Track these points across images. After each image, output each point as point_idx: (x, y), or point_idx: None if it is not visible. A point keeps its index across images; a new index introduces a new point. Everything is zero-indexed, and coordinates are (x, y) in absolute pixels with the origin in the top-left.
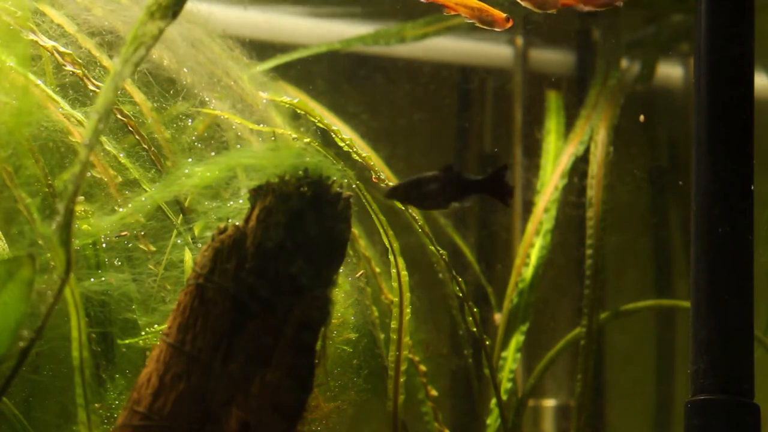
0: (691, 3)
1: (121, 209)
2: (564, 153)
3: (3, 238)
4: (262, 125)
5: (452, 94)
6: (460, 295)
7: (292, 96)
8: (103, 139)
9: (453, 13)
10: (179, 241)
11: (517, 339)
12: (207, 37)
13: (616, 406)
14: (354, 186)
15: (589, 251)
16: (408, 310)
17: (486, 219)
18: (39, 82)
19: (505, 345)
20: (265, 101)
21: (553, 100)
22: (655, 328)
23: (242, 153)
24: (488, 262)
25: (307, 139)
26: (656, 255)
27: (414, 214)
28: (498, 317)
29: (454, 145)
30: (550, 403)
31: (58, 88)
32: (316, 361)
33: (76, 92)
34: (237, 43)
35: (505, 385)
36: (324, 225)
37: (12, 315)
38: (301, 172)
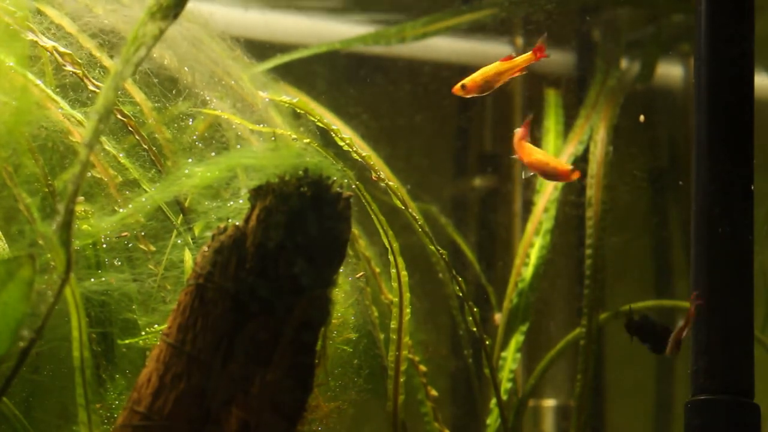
0: (691, 3)
1: (121, 209)
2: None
3: (3, 238)
4: (262, 125)
5: (452, 94)
6: (460, 294)
7: (292, 96)
8: (103, 139)
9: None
10: (179, 241)
11: (517, 339)
12: (207, 36)
13: (616, 406)
14: (354, 186)
15: (588, 251)
16: (408, 310)
17: (486, 219)
18: (39, 82)
19: (505, 345)
20: (266, 101)
21: (552, 98)
22: None
23: (242, 153)
24: (488, 261)
25: (307, 139)
26: (656, 255)
27: (414, 214)
28: (498, 317)
29: (454, 145)
30: (550, 403)
31: (58, 89)
32: (316, 361)
33: (76, 92)
34: (237, 43)
35: (505, 385)
36: (324, 225)
37: (12, 315)
38: (301, 172)
